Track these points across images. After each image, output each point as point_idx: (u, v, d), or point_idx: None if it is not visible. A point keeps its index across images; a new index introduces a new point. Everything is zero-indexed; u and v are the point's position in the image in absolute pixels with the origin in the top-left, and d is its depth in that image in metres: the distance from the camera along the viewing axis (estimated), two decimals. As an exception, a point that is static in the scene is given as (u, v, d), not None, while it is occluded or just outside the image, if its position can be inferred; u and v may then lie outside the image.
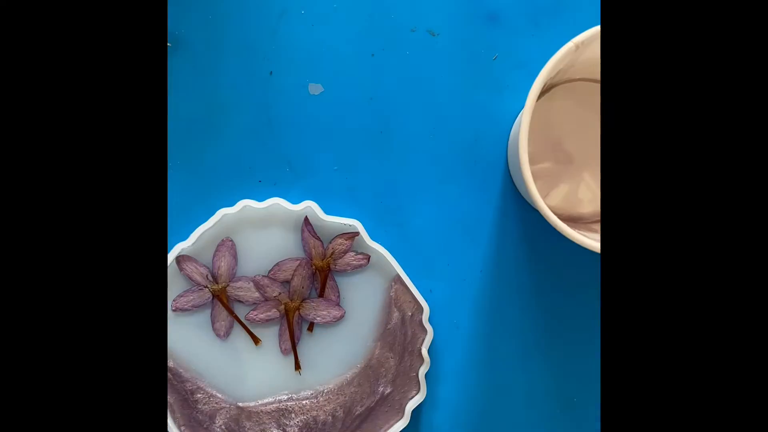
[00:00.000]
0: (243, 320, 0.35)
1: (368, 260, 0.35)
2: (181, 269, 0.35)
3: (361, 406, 0.35)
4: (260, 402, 0.35)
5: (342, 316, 0.35)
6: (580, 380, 0.36)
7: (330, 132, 0.36)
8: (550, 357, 0.36)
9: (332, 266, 0.35)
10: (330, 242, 0.35)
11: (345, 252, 0.35)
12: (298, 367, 0.35)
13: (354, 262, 0.35)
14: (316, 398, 0.35)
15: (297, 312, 0.35)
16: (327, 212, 0.35)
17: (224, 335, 0.35)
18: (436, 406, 0.36)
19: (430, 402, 0.36)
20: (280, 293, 0.35)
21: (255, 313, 0.35)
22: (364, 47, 0.36)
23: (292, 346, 0.35)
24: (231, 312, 0.35)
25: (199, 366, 0.35)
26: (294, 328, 0.35)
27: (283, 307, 0.35)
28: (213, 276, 0.35)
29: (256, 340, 0.35)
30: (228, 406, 0.35)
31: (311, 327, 0.35)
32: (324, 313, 0.35)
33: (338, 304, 0.35)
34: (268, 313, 0.35)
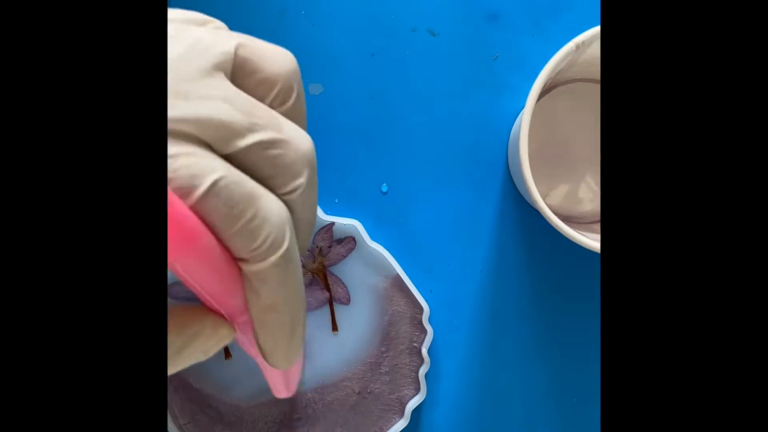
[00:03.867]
0: None
1: (354, 241, 0.35)
2: None
3: (353, 401, 0.35)
4: (263, 402, 0.35)
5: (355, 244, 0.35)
6: (580, 380, 0.36)
7: (330, 132, 0.36)
8: (550, 357, 0.36)
9: (326, 263, 0.35)
10: (312, 244, 0.35)
11: (330, 245, 0.35)
12: (335, 328, 0.35)
13: (343, 251, 0.35)
14: (317, 393, 0.35)
15: (323, 270, 0.35)
16: (327, 212, 0.35)
17: None
18: (436, 406, 0.36)
19: (430, 402, 0.36)
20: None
21: None
22: (364, 47, 0.36)
23: (331, 309, 0.35)
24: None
25: (203, 370, 0.35)
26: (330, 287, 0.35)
27: (309, 273, 0.35)
28: None
29: (227, 355, 0.35)
30: (233, 404, 0.35)
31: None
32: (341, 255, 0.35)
33: (347, 296, 0.35)
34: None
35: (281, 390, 0.27)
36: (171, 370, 0.22)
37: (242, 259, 0.22)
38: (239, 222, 0.21)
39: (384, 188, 0.36)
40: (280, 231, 0.22)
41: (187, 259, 0.20)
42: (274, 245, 0.22)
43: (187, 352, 0.22)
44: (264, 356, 0.23)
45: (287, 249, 0.22)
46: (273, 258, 0.22)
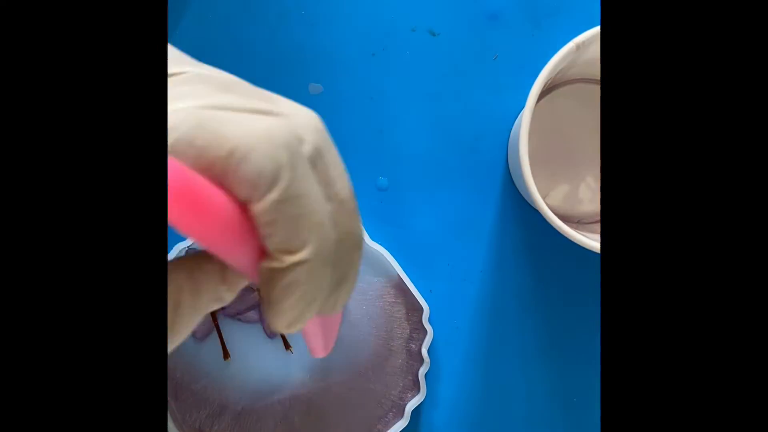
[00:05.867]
0: (229, 329, 0.35)
1: None
2: None
3: (353, 401, 0.35)
4: (262, 402, 0.35)
5: None
6: (580, 380, 0.36)
7: (330, 132, 0.36)
8: (550, 357, 0.36)
9: None
10: None
11: None
12: (288, 346, 0.35)
13: None
14: (317, 393, 0.35)
15: None
16: (327, 212, 0.35)
17: (201, 338, 0.35)
18: (436, 406, 0.36)
19: (430, 402, 0.36)
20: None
21: (233, 305, 0.35)
22: (365, 47, 0.36)
23: None
24: (214, 318, 0.35)
25: (203, 369, 0.35)
26: None
27: (257, 293, 0.35)
28: None
29: (225, 355, 0.35)
30: (232, 404, 0.35)
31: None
32: None
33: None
34: (246, 303, 0.35)
35: (318, 349, 0.24)
36: (191, 321, 0.21)
37: (247, 202, 0.19)
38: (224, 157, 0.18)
39: (384, 188, 0.36)
40: (272, 161, 0.19)
41: (186, 219, 0.18)
42: (265, 179, 0.19)
43: (201, 300, 0.20)
44: (270, 315, 0.20)
45: (289, 183, 0.19)
46: (272, 195, 0.19)
